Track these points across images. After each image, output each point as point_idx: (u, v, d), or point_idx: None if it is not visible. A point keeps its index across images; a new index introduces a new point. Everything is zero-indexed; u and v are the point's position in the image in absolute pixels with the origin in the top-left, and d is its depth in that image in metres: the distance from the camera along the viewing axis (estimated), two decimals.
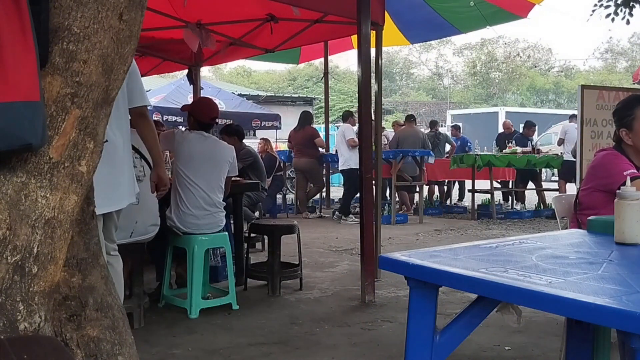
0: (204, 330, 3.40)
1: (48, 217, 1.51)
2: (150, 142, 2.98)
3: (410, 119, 9.62)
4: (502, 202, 10.16)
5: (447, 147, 11.21)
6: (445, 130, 14.01)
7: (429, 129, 11.10)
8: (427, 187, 9.79)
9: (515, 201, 10.18)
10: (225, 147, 4.00)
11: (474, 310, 1.57)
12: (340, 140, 8.42)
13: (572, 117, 9.98)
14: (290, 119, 12.09)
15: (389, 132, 12.40)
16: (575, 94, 5.06)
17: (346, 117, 8.95)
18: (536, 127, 10.88)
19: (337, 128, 10.85)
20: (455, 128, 12.22)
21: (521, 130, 10.69)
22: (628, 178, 2.23)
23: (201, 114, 3.92)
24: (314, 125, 9.77)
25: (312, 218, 8.92)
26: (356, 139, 7.93)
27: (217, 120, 4.04)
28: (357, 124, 8.12)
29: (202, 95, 6.39)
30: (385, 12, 4.91)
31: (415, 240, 6.82)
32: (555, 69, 40.27)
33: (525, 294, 1.27)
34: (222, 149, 3.94)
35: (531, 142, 10.07)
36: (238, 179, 4.52)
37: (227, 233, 4.01)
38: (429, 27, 7.09)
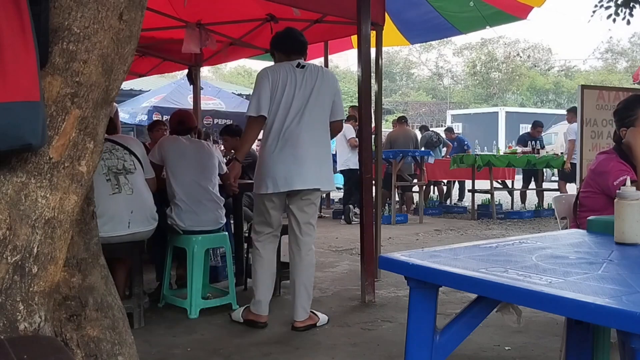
0: (204, 330, 3.40)
1: (48, 217, 1.51)
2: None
3: (401, 120, 9.66)
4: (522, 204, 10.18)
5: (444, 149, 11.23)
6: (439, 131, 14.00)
7: (423, 131, 11.12)
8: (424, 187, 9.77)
9: (521, 202, 10.20)
10: (215, 149, 4.19)
11: (474, 310, 1.57)
12: (340, 141, 8.40)
13: (571, 112, 9.43)
14: None
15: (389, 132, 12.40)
16: (575, 94, 5.05)
17: (349, 118, 8.93)
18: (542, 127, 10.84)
19: None
20: (449, 130, 12.22)
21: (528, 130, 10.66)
22: (622, 184, 2.23)
23: (171, 124, 4.30)
24: None
25: None
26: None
27: (188, 124, 4.23)
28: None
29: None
30: (385, 12, 4.90)
31: (415, 240, 6.82)
32: (555, 69, 40.27)
33: (525, 294, 1.26)
34: (211, 150, 4.11)
35: (540, 142, 10.02)
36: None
37: (227, 233, 4.01)
38: (429, 27, 7.08)
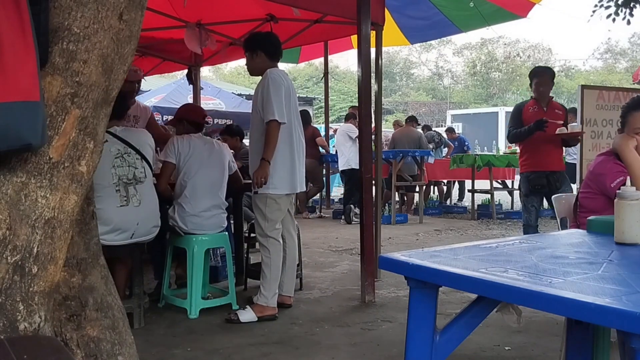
0: (204, 330, 3.40)
1: (48, 217, 1.51)
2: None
3: (407, 120, 9.61)
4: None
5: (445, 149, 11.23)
6: (441, 131, 13.99)
7: (425, 131, 11.12)
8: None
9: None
10: (225, 147, 4.07)
11: (474, 310, 1.57)
12: (341, 141, 8.39)
13: (570, 113, 9.43)
14: None
15: (389, 132, 12.39)
16: (575, 94, 5.05)
17: (349, 117, 8.93)
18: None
19: (334, 132, 10.78)
20: (450, 131, 12.22)
21: None
22: (620, 186, 2.23)
23: (195, 115, 4.09)
24: (315, 125, 9.77)
25: (312, 218, 8.92)
26: None
27: (205, 120, 4.23)
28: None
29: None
30: (386, 10, 4.90)
31: (415, 240, 6.82)
32: (556, 69, 40.21)
33: (525, 294, 1.27)
34: (222, 149, 4.00)
35: None
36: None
37: (227, 233, 4.00)
38: (430, 25, 7.07)
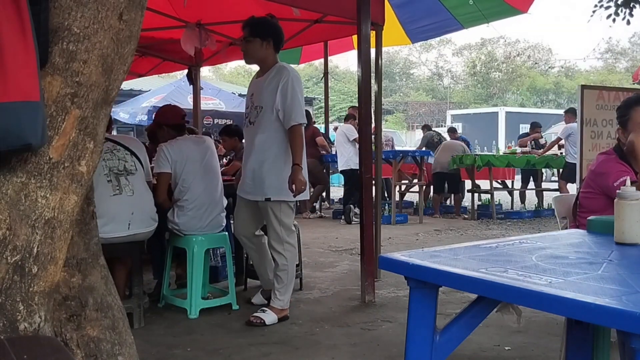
0: (204, 330, 3.40)
1: (48, 217, 1.51)
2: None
3: (450, 132, 9.98)
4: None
5: None
6: (441, 131, 14.00)
7: (425, 131, 11.16)
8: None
9: (521, 203, 10.18)
10: (209, 141, 4.00)
11: (474, 310, 1.57)
12: (341, 140, 8.40)
13: (568, 113, 9.45)
14: None
15: (389, 132, 12.38)
16: (575, 94, 5.04)
17: (348, 118, 8.93)
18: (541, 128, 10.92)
19: (334, 130, 10.80)
20: (452, 131, 12.23)
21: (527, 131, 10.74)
22: (622, 185, 2.23)
23: (174, 118, 3.95)
24: (315, 125, 9.77)
25: (312, 218, 8.92)
26: None
27: (185, 119, 4.08)
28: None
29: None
30: (387, 4, 4.88)
31: (415, 240, 6.82)
32: (555, 69, 40.29)
33: (525, 294, 1.27)
34: (209, 144, 3.94)
35: (538, 142, 10.07)
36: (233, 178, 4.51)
37: (227, 233, 4.00)
38: (432, 21, 7.04)
